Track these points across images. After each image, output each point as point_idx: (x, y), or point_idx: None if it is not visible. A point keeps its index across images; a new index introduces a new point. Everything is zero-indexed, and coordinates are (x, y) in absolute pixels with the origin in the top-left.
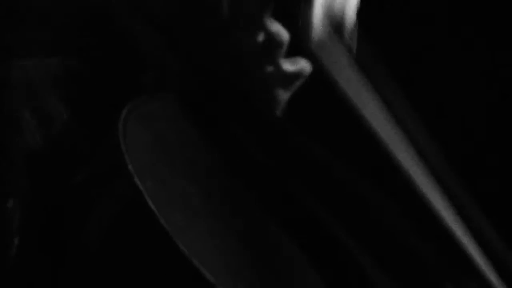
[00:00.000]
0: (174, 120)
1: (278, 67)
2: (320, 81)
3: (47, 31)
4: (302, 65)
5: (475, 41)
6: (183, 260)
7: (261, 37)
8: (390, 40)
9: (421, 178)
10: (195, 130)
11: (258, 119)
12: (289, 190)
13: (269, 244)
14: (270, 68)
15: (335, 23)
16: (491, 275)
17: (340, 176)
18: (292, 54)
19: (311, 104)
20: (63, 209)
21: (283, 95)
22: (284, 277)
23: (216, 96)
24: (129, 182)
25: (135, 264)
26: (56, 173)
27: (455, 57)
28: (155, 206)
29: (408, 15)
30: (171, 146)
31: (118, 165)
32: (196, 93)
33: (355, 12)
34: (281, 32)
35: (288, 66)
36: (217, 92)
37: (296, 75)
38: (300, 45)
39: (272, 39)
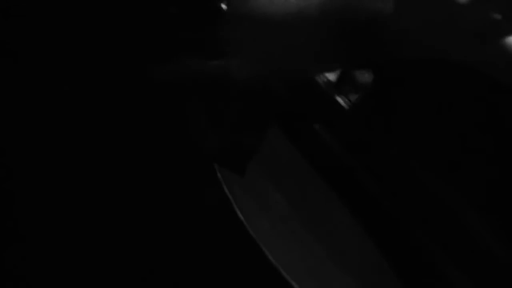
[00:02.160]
0: None
1: None
2: None
3: None
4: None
5: None
6: (269, 265)
7: None
8: None
9: None
10: (282, 139)
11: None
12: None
13: (353, 253)
14: None
15: None
16: None
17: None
18: None
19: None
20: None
21: None
22: (366, 283)
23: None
24: (218, 189)
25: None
26: None
27: None
28: (242, 213)
29: None
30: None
31: (208, 172)
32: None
33: None
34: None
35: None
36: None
37: None
38: None
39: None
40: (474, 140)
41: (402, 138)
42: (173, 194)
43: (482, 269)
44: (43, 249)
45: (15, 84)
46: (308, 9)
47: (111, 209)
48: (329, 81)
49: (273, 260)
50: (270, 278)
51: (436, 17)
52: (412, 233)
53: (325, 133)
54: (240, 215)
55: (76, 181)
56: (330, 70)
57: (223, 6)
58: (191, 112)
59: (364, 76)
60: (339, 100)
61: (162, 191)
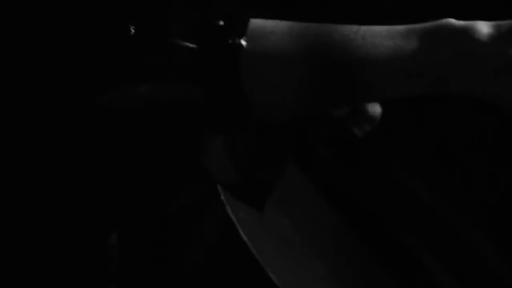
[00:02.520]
0: None
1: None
2: None
3: None
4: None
5: None
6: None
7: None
8: None
9: None
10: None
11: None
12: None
13: (360, 278)
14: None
15: None
16: None
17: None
18: None
19: None
20: (163, 240)
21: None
22: None
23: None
24: (222, 212)
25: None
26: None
27: None
28: (247, 236)
29: None
30: None
31: (210, 195)
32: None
33: None
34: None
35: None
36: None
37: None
38: None
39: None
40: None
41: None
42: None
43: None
44: None
45: None
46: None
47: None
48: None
49: (278, 283)
50: None
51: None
52: (417, 254)
53: (331, 155)
54: (244, 237)
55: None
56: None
57: (243, 42)
58: (209, 144)
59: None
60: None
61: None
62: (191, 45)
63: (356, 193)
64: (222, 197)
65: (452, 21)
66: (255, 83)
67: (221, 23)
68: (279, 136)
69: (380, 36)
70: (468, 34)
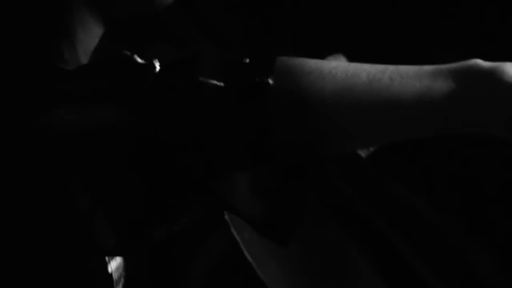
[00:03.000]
0: None
1: None
2: None
3: None
4: None
5: None
6: None
7: None
8: None
9: None
10: None
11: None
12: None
13: None
14: None
15: None
16: None
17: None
18: None
19: None
20: (168, 260)
21: None
22: None
23: None
24: (227, 233)
25: None
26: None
27: None
28: (252, 256)
29: None
30: None
31: (215, 215)
32: None
33: None
34: None
35: None
36: None
37: None
38: None
39: None
40: None
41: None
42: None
43: None
44: None
45: None
46: None
47: None
48: None
49: None
50: None
51: None
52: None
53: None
54: (249, 257)
55: None
56: None
57: (270, 80)
58: (230, 181)
59: None
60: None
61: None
62: (218, 83)
63: (362, 209)
64: (227, 217)
65: (480, 62)
66: (282, 122)
67: (247, 60)
68: (304, 168)
69: (407, 76)
70: (496, 76)
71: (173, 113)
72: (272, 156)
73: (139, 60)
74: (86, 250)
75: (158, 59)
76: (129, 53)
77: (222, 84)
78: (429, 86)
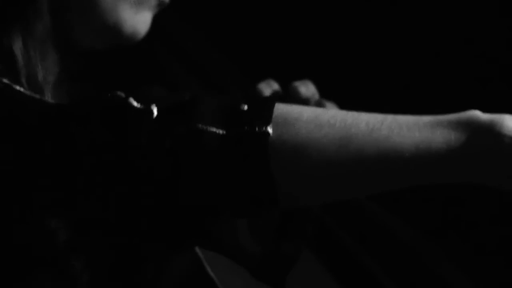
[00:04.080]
0: None
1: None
2: None
3: None
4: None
5: None
6: None
7: None
8: None
9: None
10: None
11: None
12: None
13: None
14: None
15: None
16: None
17: None
18: None
19: None
20: (132, 277)
21: None
22: None
23: None
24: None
25: None
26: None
27: None
28: (215, 272)
29: None
30: None
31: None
32: None
33: None
34: None
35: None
36: None
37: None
38: None
39: None
40: None
41: None
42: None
43: None
44: None
45: None
46: None
47: None
48: None
49: None
50: None
51: None
52: None
53: None
54: (211, 273)
55: None
56: None
57: (269, 129)
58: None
59: None
60: None
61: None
62: (217, 130)
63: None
64: None
65: (478, 114)
66: (283, 172)
67: (245, 107)
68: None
69: (406, 127)
70: (495, 129)
71: (173, 160)
72: (274, 206)
73: (135, 103)
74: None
75: (155, 103)
76: (123, 95)
77: (221, 132)
78: (428, 138)
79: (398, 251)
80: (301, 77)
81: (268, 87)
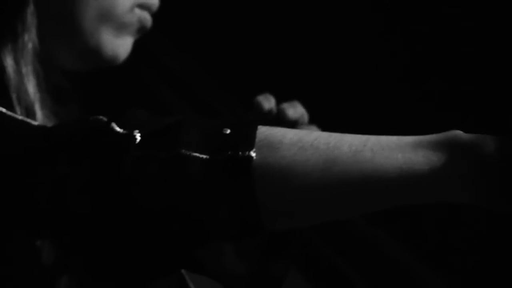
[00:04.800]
0: None
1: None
2: None
3: None
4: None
5: None
6: None
7: None
8: None
9: None
10: None
11: None
12: None
13: None
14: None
15: None
16: None
17: None
18: None
19: None
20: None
21: None
22: None
23: None
24: None
25: None
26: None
27: None
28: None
29: None
30: None
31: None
32: None
33: None
34: None
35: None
36: None
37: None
38: None
39: None
40: None
41: None
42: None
43: None
44: None
45: None
46: None
47: None
48: None
49: None
50: None
51: None
52: None
53: None
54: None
55: None
56: None
57: (253, 154)
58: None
59: None
60: None
61: None
62: (201, 155)
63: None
64: None
65: (459, 134)
66: (268, 197)
67: (228, 131)
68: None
69: (389, 148)
70: (476, 150)
71: (157, 185)
72: (260, 230)
73: (117, 129)
74: None
75: (138, 128)
76: (105, 120)
77: (205, 157)
78: (411, 159)
79: (386, 268)
80: (290, 97)
81: (267, 101)
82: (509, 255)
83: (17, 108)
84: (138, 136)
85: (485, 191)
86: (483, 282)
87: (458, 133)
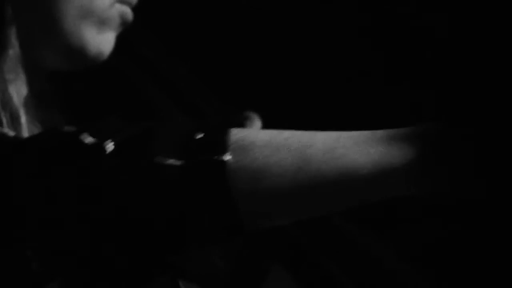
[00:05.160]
0: None
1: None
2: None
3: None
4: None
5: None
6: None
7: None
8: None
9: None
10: None
11: None
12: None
13: None
14: None
15: None
16: None
17: None
18: None
19: None
20: None
21: None
22: None
23: None
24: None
25: None
26: None
27: None
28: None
29: None
30: None
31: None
32: None
33: None
34: None
35: None
36: None
37: None
38: None
39: None
40: None
41: None
42: None
43: None
44: None
45: None
46: None
47: None
48: None
49: None
50: None
51: None
52: None
53: None
54: None
55: None
56: None
57: (227, 157)
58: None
59: None
60: None
61: None
62: (175, 162)
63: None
64: None
65: (431, 125)
66: (244, 199)
67: (201, 135)
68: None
69: (361, 143)
70: (442, 138)
71: (131, 194)
72: (239, 232)
73: (87, 139)
74: None
75: (111, 136)
76: (74, 130)
77: (179, 163)
78: (384, 153)
79: (374, 270)
80: (277, 98)
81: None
82: (492, 249)
83: (2, 114)
84: (111, 145)
85: (452, 179)
86: (470, 280)
87: (430, 124)
